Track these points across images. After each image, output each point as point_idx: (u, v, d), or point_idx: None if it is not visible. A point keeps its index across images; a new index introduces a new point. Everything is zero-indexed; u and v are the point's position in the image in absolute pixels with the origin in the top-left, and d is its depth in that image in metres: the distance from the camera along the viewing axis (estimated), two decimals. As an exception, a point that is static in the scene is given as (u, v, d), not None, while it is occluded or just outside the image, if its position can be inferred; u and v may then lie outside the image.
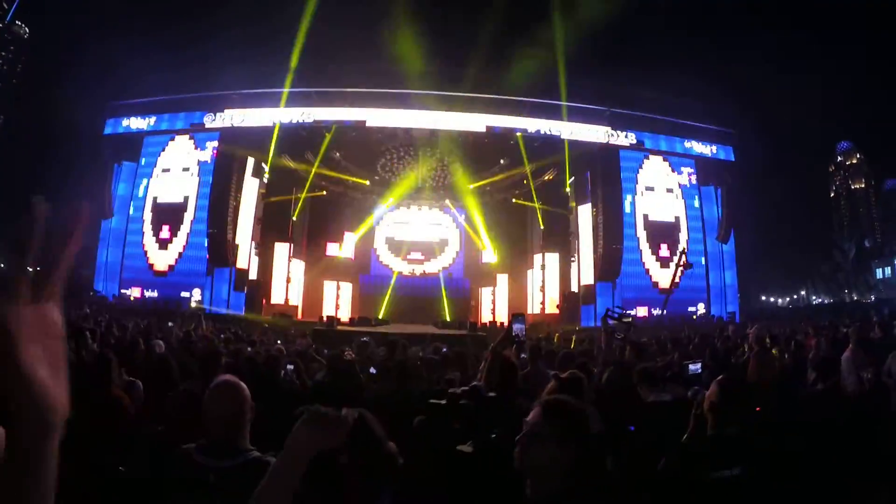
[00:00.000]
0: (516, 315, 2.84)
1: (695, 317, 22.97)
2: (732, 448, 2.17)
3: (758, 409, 2.73)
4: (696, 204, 24.47)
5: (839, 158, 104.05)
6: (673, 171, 24.38)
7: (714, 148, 24.94)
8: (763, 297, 50.50)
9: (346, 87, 21.98)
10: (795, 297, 53.57)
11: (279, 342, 9.91)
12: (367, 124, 21.72)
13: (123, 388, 3.56)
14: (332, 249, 25.99)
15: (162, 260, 22.89)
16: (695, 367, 4.10)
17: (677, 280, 20.64)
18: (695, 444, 2.33)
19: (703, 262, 24.16)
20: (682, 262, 20.70)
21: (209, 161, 22.87)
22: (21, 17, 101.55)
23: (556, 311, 22.83)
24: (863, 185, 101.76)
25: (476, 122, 21.80)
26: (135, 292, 22.77)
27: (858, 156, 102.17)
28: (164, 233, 22.95)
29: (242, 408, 1.82)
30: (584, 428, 1.47)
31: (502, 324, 20.78)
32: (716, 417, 2.28)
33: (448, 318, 22.71)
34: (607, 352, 4.80)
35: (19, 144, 73.00)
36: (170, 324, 15.21)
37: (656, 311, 22.80)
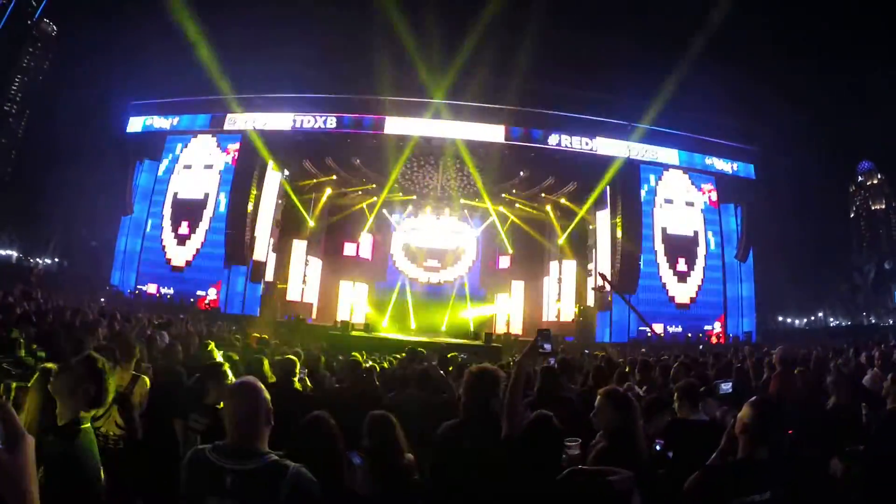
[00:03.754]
0: (542, 331, 2.73)
1: (711, 336, 22.64)
2: (763, 472, 2.11)
3: (790, 431, 2.62)
4: (716, 218, 24.20)
5: (860, 178, 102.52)
6: (693, 185, 24.14)
7: (735, 165, 24.66)
8: (780, 318, 49.69)
9: (366, 94, 22.14)
10: (812, 318, 52.63)
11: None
12: (386, 131, 21.85)
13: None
14: (350, 250, 26.13)
15: (180, 255, 23.11)
16: (726, 387, 3.95)
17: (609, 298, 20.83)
18: (724, 467, 2.26)
19: (721, 280, 23.87)
20: (601, 287, 21.01)
21: (230, 163, 23.16)
22: (49, 16, 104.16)
23: (571, 321, 22.63)
24: (883, 206, 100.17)
25: (493, 132, 21.81)
26: (151, 288, 22.98)
27: (879, 176, 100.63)
28: (183, 228, 23.20)
29: (260, 409, 1.78)
30: None
31: (517, 335, 20.66)
32: (747, 440, 2.21)
33: (463, 328, 22.63)
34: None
35: (44, 140, 74.49)
36: (181, 315, 15.43)
37: (672, 329, 22.57)
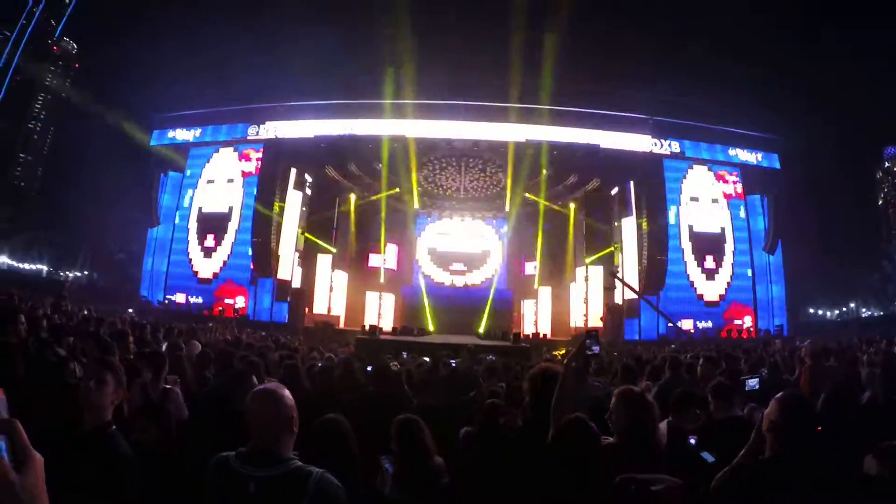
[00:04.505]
0: (590, 331, 2.68)
1: (742, 331, 22.23)
2: (791, 472, 2.00)
3: (819, 428, 2.50)
4: (742, 214, 23.74)
5: (886, 164, 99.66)
6: (718, 180, 23.72)
7: (759, 156, 24.16)
8: (811, 310, 48.48)
9: (386, 100, 22.20)
10: (844, 309, 51.21)
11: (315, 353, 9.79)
12: (407, 136, 21.89)
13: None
14: (375, 261, 26.23)
15: (206, 268, 23.48)
16: (752, 383, 3.80)
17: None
18: (751, 466, 2.17)
19: (750, 275, 23.43)
20: (611, 284, 20.65)
21: (253, 172, 23.43)
22: (68, 34, 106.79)
23: (601, 325, 22.40)
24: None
25: (513, 132, 21.69)
26: (179, 298, 23.39)
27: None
28: (209, 241, 23.57)
29: (285, 416, 1.75)
30: None
31: (545, 335, 20.53)
32: (774, 437, 2.11)
33: (491, 329, 22.58)
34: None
35: (69, 156, 76.43)
36: (210, 324, 15.70)
37: (702, 325, 22.21)
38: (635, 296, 21.42)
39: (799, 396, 2.34)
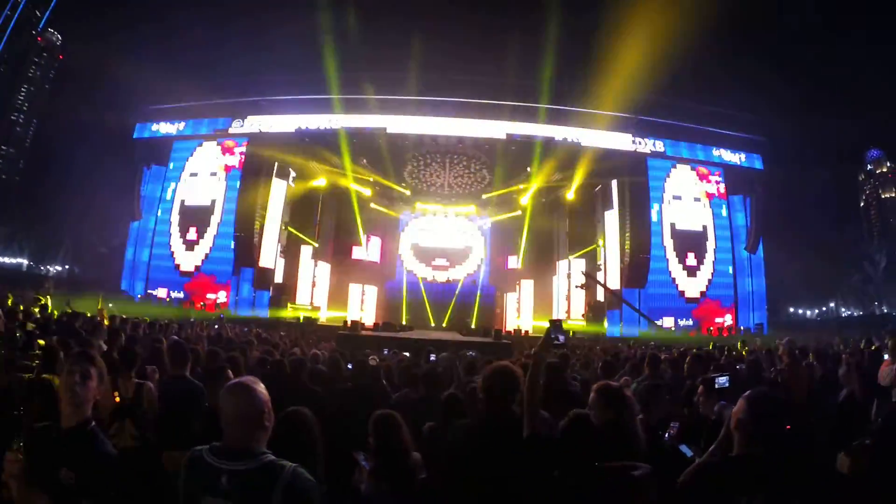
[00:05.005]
0: (554, 322, 2.67)
1: (722, 329, 22.51)
2: (758, 468, 2.01)
3: (787, 427, 2.53)
4: (724, 213, 24.02)
5: (869, 167, 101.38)
6: (701, 179, 23.96)
7: (743, 156, 24.45)
8: (791, 309, 49.21)
9: (369, 95, 22.11)
10: (825, 308, 52.10)
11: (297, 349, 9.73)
12: (388, 131, 21.86)
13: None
14: (358, 253, 26.19)
15: (188, 261, 23.27)
16: (722, 381, 3.82)
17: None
18: (718, 463, 2.21)
19: (731, 272, 23.72)
20: (584, 285, 20.91)
21: (237, 166, 23.26)
22: (53, 25, 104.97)
23: (582, 320, 22.53)
24: (893, 195, 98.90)
25: (496, 129, 21.72)
26: (160, 293, 23.15)
27: (889, 164, 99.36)
28: (191, 234, 23.37)
29: (257, 410, 1.74)
30: None
31: (527, 332, 20.58)
32: (742, 435, 2.12)
33: (473, 325, 22.60)
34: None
35: (52, 149, 75.18)
36: (192, 318, 15.54)
37: (683, 322, 22.45)
38: (631, 289, 21.63)
39: (767, 394, 2.34)
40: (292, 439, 2.11)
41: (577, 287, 22.12)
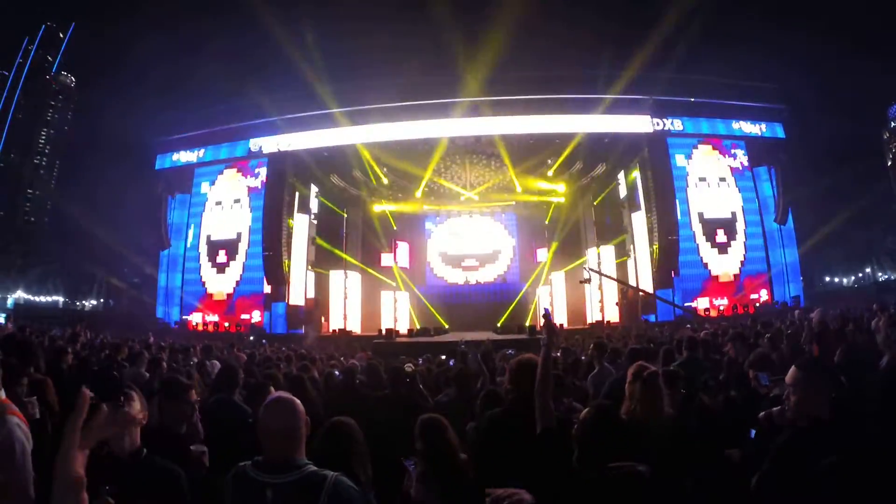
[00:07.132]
0: (545, 314, 2.78)
1: (757, 304, 22.00)
2: (825, 436, 2.02)
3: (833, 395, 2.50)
4: (751, 188, 23.47)
5: (893, 124, 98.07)
6: (724, 155, 23.46)
7: (763, 126, 23.86)
8: (826, 278, 47.86)
9: (383, 104, 22.19)
10: (861, 275, 50.50)
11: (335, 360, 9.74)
12: (407, 137, 21.90)
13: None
14: (387, 260, 26.39)
15: (220, 287, 23.73)
16: (764, 380, 3.74)
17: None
18: (787, 438, 2.21)
19: (763, 247, 23.17)
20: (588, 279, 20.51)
21: (259, 187, 23.58)
22: (65, 68, 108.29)
23: (616, 303, 22.24)
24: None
25: (514, 125, 21.60)
26: (195, 318, 23.62)
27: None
28: (221, 257, 23.81)
29: (297, 423, 1.81)
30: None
31: (561, 325, 20.50)
32: (801, 404, 2.16)
33: (499, 323, 22.54)
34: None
35: (77, 187, 77.52)
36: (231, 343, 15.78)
37: (718, 302, 22.01)
38: (649, 280, 21.32)
39: (814, 362, 2.37)
40: (337, 449, 2.16)
41: (580, 282, 21.70)
